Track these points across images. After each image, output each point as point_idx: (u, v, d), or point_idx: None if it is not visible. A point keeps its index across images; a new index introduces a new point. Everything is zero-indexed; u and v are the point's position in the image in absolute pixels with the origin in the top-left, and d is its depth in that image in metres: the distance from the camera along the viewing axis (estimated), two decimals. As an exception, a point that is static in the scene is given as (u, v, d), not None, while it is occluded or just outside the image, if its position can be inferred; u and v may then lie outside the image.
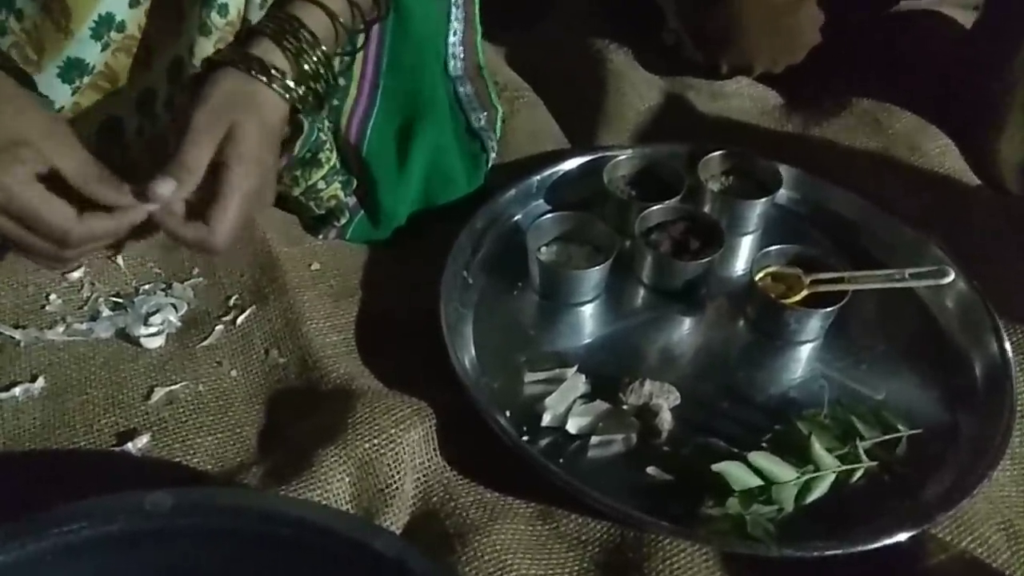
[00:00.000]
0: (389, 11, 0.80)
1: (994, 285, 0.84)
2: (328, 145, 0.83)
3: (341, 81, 0.80)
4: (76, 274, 0.80)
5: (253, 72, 0.68)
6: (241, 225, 0.68)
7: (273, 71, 0.68)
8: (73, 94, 0.72)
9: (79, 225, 0.62)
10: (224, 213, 0.66)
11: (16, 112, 0.62)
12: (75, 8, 0.67)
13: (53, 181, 0.62)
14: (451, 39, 0.92)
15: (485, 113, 0.95)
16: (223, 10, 0.70)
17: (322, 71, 0.71)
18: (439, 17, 0.90)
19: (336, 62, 0.74)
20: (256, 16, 0.73)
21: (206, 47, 0.71)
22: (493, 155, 0.94)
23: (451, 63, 0.93)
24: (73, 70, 0.70)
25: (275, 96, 0.69)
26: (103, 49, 0.70)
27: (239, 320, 0.79)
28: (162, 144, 0.77)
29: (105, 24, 0.69)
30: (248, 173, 0.67)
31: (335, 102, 0.85)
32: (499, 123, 0.97)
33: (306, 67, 0.70)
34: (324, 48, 0.71)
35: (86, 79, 0.71)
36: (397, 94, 0.89)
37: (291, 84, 0.69)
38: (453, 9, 0.91)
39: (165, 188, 0.64)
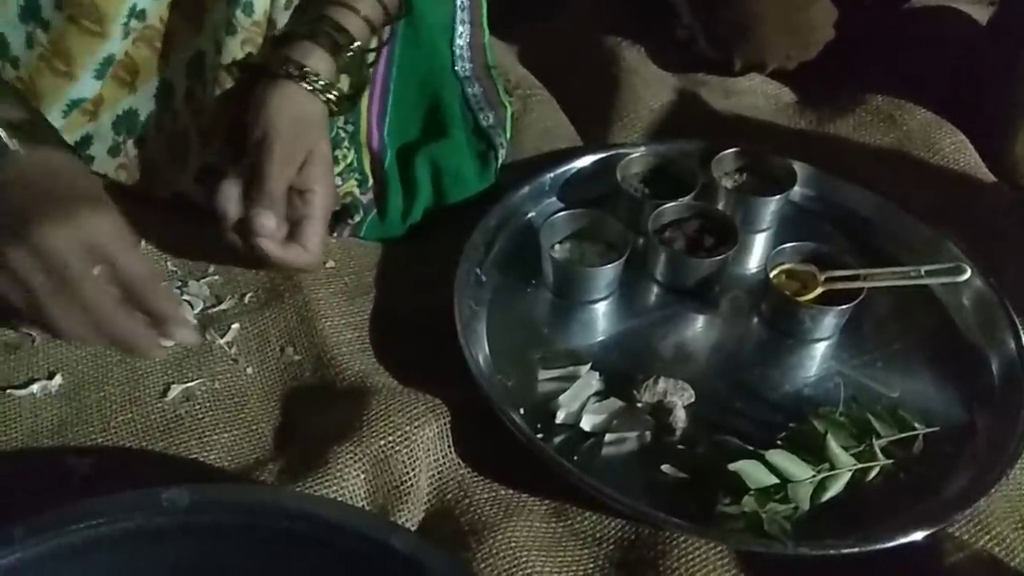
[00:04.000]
0: (410, 10, 0.81)
1: (1011, 282, 0.84)
2: (346, 143, 0.84)
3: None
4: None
5: (308, 86, 0.70)
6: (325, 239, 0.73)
7: (316, 77, 0.70)
8: (101, 87, 0.72)
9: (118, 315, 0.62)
10: (316, 233, 0.72)
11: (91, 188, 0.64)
12: (108, 10, 0.68)
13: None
14: (458, 42, 0.93)
15: (493, 112, 0.96)
16: (248, 8, 0.71)
17: (357, 71, 0.72)
18: (446, 20, 0.91)
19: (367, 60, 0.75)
20: (281, 16, 0.73)
21: (232, 46, 0.72)
22: (502, 153, 0.94)
23: (459, 65, 0.93)
24: (105, 67, 0.71)
25: (320, 103, 0.71)
26: (124, 37, 0.71)
27: (254, 317, 0.79)
28: (181, 139, 0.78)
29: (130, 15, 0.70)
30: (331, 191, 0.72)
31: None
32: (509, 121, 0.97)
33: (343, 66, 0.71)
34: (359, 44, 0.72)
35: (110, 69, 0.72)
36: (408, 95, 0.89)
37: (330, 87, 0.71)
38: (459, 12, 0.91)
39: (269, 221, 0.69)
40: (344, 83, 0.73)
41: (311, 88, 0.70)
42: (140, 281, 0.62)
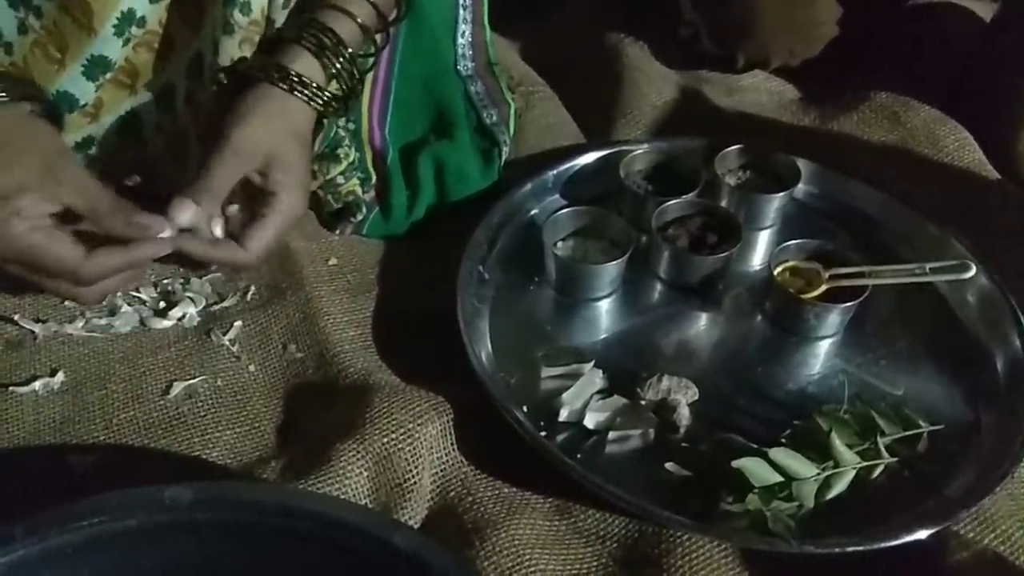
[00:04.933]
0: (408, 11, 0.80)
1: (1015, 279, 0.83)
2: (347, 141, 0.84)
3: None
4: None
5: (285, 86, 0.68)
6: (274, 245, 0.69)
7: (303, 80, 0.69)
8: (96, 91, 0.72)
9: (88, 262, 0.62)
10: (262, 234, 0.67)
11: (15, 155, 0.62)
12: (96, 7, 0.67)
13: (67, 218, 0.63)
14: (460, 40, 0.93)
15: (496, 109, 0.96)
16: (246, 8, 0.71)
17: (347, 74, 0.72)
18: (448, 19, 0.90)
19: (361, 64, 0.75)
20: (279, 15, 0.73)
21: (230, 46, 0.71)
22: (506, 150, 0.94)
23: (461, 63, 0.93)
24: (97, 67, 0.70)
25: (305, 106, 0.70)
26: (124, 44, 0.71)
27: (257, 315, 0.79)
28: (181, 141, 0.78)
29: (127, 20, 0.69)
30: (296, 200, 0.69)
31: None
32: (512, 118, 0.97)
33: (333, 71, 0.71)
34: (350, 50, 0.71)
35: (108, 75, 0.72)
36: (410, 94, 0.89)
37: (320, 91, 0.70)
38: (461, 11, 0.91)
39: (184, 215, 0.64)
40: (335, 87, 0.73)
41: (290, 90, 0.69)
42: (95, 216, 0.62)
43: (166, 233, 0.64)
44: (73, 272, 0.62)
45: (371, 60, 0.77)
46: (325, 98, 0.71)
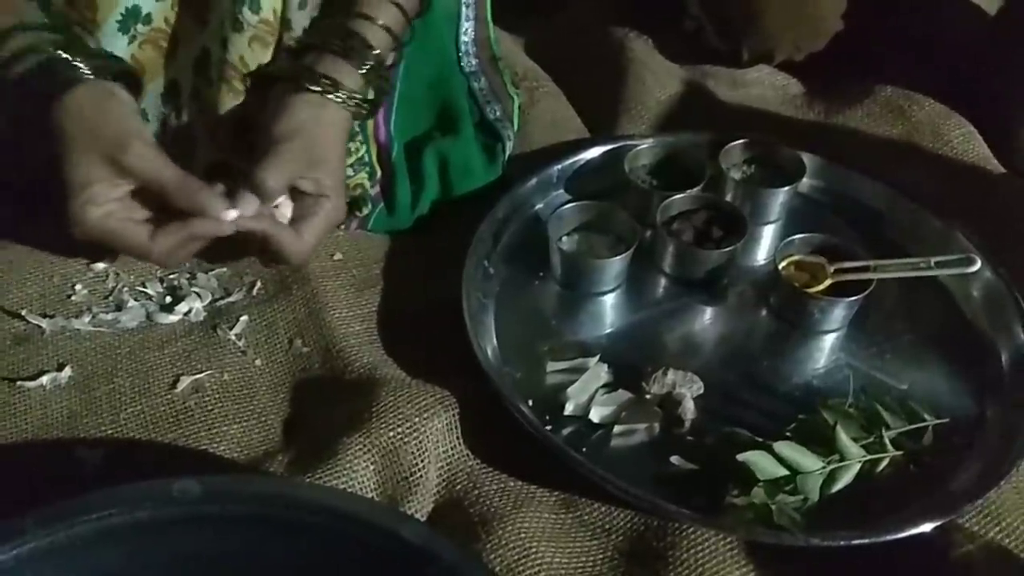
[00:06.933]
0: (429, 7, 0.81)
1: (1020, 273, 0.83)
2: (360, 137, 0.84)
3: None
4: (101, 264, 0.80)
5: (330, 94, 0.71)
6: (320, 243, 0.73)
7: (341, 85, 0.71)
8: None
9: (154, 244, 0.67)
10: (315, 231, 0.71)
11: (85, 145, 0.65)
12: (100, 1, 0.68)
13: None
14: (463, 37, 0.93)
15: (500, 104, 0.95)
16: (255, 6, 0.71)
17: (378, 79, 0.73)
18: (451, 15, 0.91)
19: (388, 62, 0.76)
20: (296, 15, 0.74)
21: (239, 43, 0.72)
22: (510, 145, 0.94)
23: (464, 59, 0.93)
24: None
25: (345, 111, 0.72)
26: (130, 42, 0.71)
27: (263, 310, 0.79)
28: (187, 137, 0.78)
29: (132, 17, 0.70)
30: (341, 205, 0.73)
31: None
32: (516, 113, 0.97)
33: (366, 76, 0.72)
34: (377, 52, 0.72)
35: None
36: (414, 89, 0.89)
37: (353, 95, 0.71)
38: (463, 8, 0.91)
39: (250, 206, 0.68)
40: (369, 92, 0.74)
41: (340, 101, 0.71)
42: (163, 191, 0.66)
43: (230, 215, 0.67)
44: (143, 254, 0.68)
45: (392, 58, 0.78)
46: (358, 100, 0.72)
